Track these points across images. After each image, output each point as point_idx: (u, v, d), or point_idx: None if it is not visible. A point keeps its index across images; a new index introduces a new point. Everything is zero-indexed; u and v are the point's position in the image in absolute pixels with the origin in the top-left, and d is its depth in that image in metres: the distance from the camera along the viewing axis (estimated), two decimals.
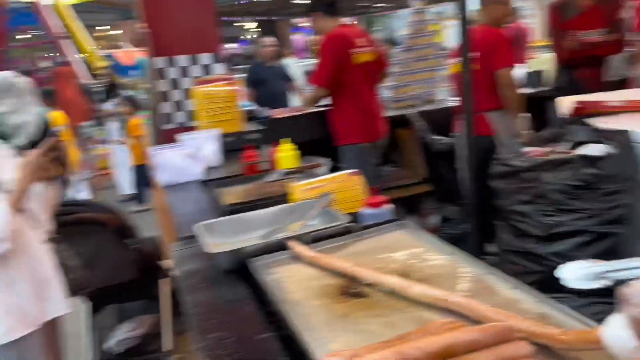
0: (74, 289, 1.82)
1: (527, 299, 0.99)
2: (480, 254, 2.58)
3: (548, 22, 3.61)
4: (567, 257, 2.16)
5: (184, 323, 2.98)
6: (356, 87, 3.12)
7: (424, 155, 3.65)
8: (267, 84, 5.01)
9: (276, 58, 5.45)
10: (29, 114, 3.23)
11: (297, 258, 1.29)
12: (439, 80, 3.99)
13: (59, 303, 1.74)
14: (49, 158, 1.61)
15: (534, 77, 4.17)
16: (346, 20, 3.21)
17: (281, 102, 4.87)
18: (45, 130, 3.60)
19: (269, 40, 5.43)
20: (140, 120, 5.15)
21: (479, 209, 2.67)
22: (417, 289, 1.03)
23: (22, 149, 3.13)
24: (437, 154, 3.52)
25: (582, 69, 3.43)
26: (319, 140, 3.28)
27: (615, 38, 3.36)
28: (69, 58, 8.35)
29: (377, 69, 3.25)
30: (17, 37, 10.61)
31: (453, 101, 3.59)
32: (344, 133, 3.18)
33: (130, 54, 8.18)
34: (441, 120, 3.50)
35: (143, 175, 4.68)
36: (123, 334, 2.66)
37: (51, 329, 1.81)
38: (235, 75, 3.69)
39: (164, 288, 2.66)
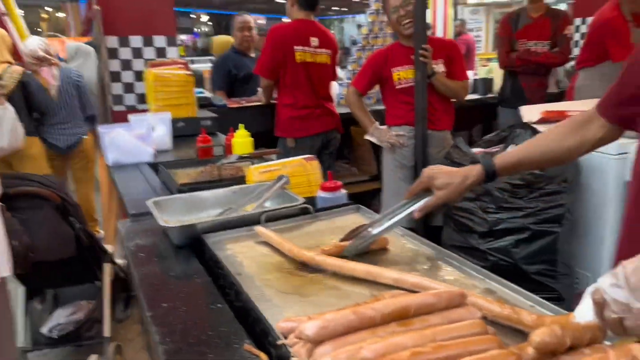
0: (17, 256, 1.76)
1: (476, 276, 1.03)
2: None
3: (499, 31, 3.77)
4: (507, 252, 2.26)
5: (123, 310, 2.91)
6: (296, 84, 3.11)
7: (375, 153, 3.72)
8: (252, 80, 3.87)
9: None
10: None
11: (251, 236, 1.29)
12: None
13: (3, 264, 1.67)
14: None
15: (483, 85, 4.35)
16: (313, 18, 3.20)
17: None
18: None
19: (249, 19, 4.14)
20: None
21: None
22: (362, 268, 1.04)
23: None
24: None
25: (526, 77, 3.60)
26: (271, 133, 3.29)
27: (559, 51, 3.55)
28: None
29: (326, 69, 3.24)
30: None
31: None
32: (280, 126, 3.21)
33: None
34: None
35: None
36: (59, 319, 2.55)
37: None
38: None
39: (105, 272, 2.58)
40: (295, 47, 3.05)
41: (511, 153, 1.19)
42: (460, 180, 1.15)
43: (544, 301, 0.90)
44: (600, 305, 0.64)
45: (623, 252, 1.06)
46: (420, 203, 1.16)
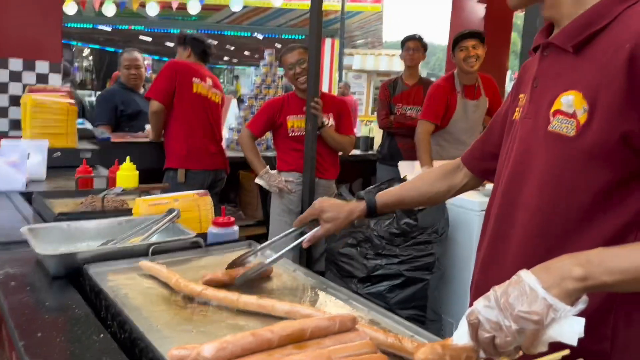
0: None
1: (360, 307, 1.10)
2: None
3: (379, 95, 4.08)
4: (382, 297, 2.39)
5: None
6: (192, 115, 3.16)
7: (262, 198, 3.76)
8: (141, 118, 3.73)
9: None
10: None
11: (136, 268, 1.25)
12: None
13: None
14: None
15: (364, 142, 4.64)
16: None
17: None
18: None
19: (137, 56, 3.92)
20: None
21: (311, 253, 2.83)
22: (254, 301, 1.05)
23: None
24: None
25: (402, 138, 3.91)
26: (158, 170, 3.21)
27: None
28: None
29: (219, 110, 3.35)
30: None
31: None
32: (171, 157, 3.20)
33: None
34: None
35: None
36: None
37: None
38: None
39: None
40: (193, 79, 3.14)
41: (390, 192, 1.33)
42: (346, 214, 1.27)
43: (423, 331, 0.99)
44: (474, 327, 0.73)
45: (478, 286, 1.18)
46: (309, 234, 1.22)
